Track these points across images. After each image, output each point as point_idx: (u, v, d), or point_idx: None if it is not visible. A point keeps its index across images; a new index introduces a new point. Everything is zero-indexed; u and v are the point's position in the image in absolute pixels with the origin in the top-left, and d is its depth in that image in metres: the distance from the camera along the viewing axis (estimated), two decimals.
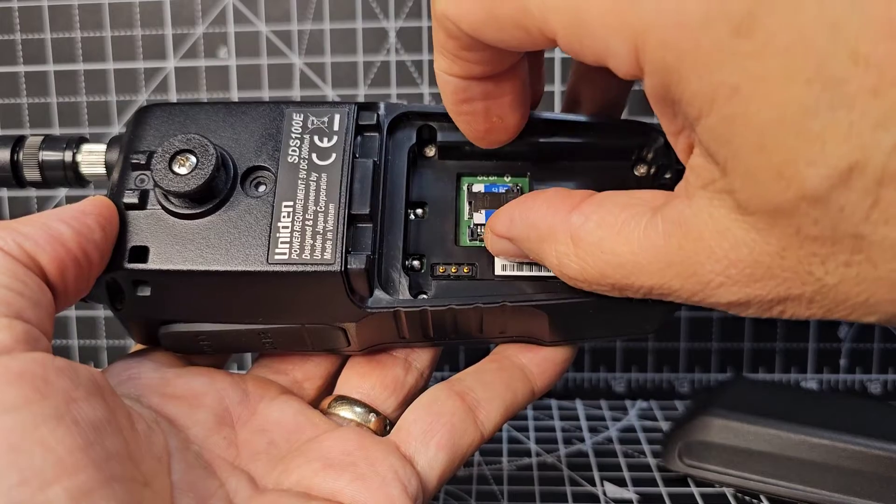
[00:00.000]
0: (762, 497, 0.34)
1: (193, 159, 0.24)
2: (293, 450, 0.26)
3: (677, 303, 0.22)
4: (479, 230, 0.27)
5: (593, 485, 0.35)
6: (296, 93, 0.43)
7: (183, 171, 0.24)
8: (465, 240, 0.27)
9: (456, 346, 0.42)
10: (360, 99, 0.43)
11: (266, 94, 0.43)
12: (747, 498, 0.34)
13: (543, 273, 0.26)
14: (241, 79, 0.43)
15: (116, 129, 0.44)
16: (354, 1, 0.42)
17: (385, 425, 0.28)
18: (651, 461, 0.38)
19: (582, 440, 0.40)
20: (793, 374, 0.44)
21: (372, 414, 0.28)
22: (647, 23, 0.17)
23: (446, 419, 0.26)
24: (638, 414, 0.43)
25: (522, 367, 0.28)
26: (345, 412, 0.28)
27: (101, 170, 0.28)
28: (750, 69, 0.16)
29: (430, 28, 0.42)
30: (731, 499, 0.34)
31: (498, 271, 0.27)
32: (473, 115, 0.24)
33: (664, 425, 0.41)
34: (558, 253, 0.22)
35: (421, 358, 0.29)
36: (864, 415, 0.36)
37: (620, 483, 0.36)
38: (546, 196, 0.23)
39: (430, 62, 0.43)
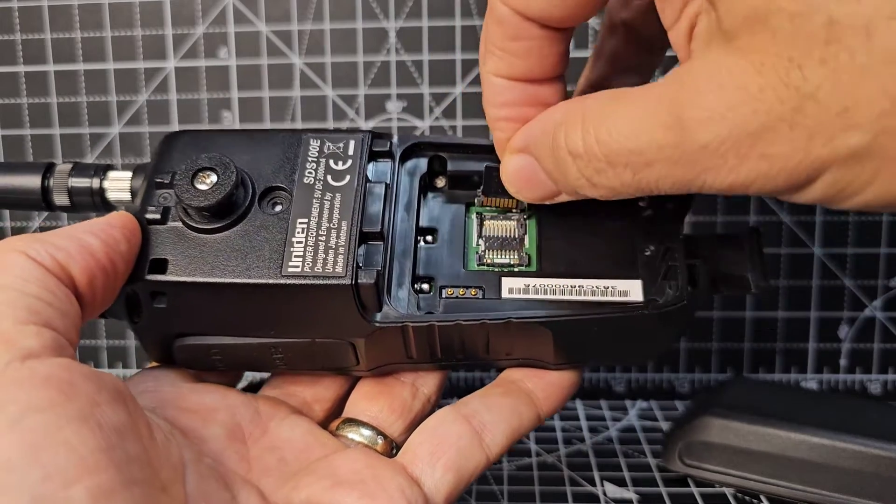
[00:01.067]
0: (762, 497, 0.34)
1: (214, 176, 0.25)
2: (303, 468, 0.26)
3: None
4: (486, 255, 0.28)
5: (593, 485, 0.35)
6: (296, 93, 0.43)
7: (204, 186, 0.25)
8: (473, 265, 0.28)
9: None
10: (361, 99, 0.43)
11: (266, 93, 0.43)
12: (747, 498, 0.34)
13: (549, 297, 0.27)
14: (241, 79, 0.43)
15: (116, 128, 0.44)
16: (354, 1, 0.42)
17: (392, 448, 0.28)
18: (651, 461, 0.38)
19: (582, 440, 0.40)
20: (793, 374, 0.44)
21: (379, 437, 0.28)
22: None
23: (453, 442, 0.27)
24: (638, 414, 0.43)
25: (528, 392, 0.29)
26: (353, 434, 0.28)
27: (127, 196, 0.29)
28: None
29: (430, 28, 0.42)
30: (731, 499, 0.34)
31: (505, 294, 0.27)
32: (511, 122, 0.25)
33: (664, 425, 0.41)
34: (567, 133, 0.22)
35: (428, 383, 0.29)
36: (864, 415, 0.36)
37: (620, 483, 0.36)
38: (565, 101, 0.24)
39: (430, 62, 0.43)
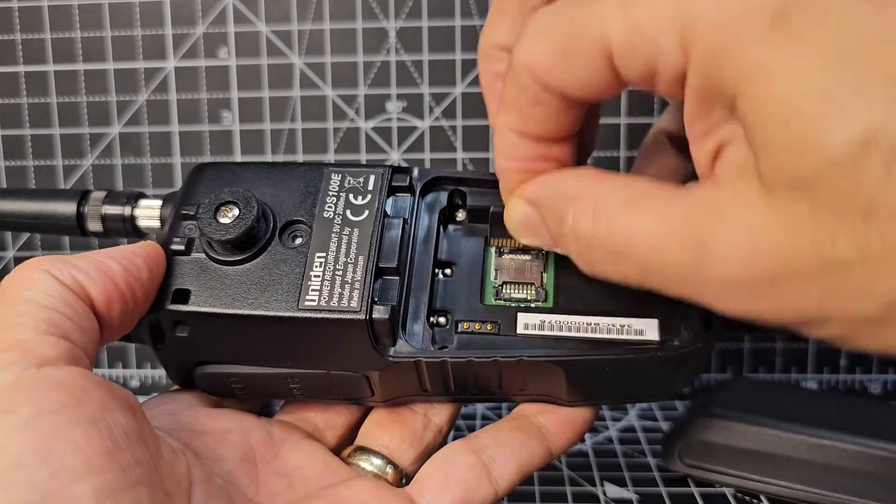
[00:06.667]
0: (762, 497, 0.34)
1: (236, 210, 0.26)
2: (311, 494, 0.26)
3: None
4: (503, 290, 0.28)
5: (593, 485, 0.35)
6: (296, 93, 0.43)
7: (226, 220, 0.26)
8: (491, 299, 0.28)
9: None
10: (361, 98, 0.43)
11: (266, 93, 0.43)
12: (747, 498, 0.34)
13: (564, 333, 0.27)
14: (241, 79, 0.43)
15: (116, 128, 0.44)
16: (354, 1, 0.42)
17: (401, 478, 0.28)
18: (651, 461, 0.38)
19: (582, 440, 0.40)
20: (793, 374, 0.44)
21: (389, 466, 0.28)
22: (694, 17, 0.19)
23: (461, 474, 0.27)
24: (638, 414, 0.43)
25: (540, 427, 0.29)
26: (364, 463, 0.28)
27: (156, 223, 0.30)
28: (782, 53, 0.18)
29: (429, 28, 0.42)
30: (731, 499, 0.34)
31: (520, 330, 0.27)
32: (520, 174, 0.25)
33: (664, 425, 0.41)
34: (576, 213, 0.23)
35: (440, 414, 0.30)
36: (864, 415, 0.36)
37: (620, 483, 0.36)
38: (581, 172, 0.24)
39: (430, 62, 0.43)
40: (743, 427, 0.34)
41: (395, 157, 0.43)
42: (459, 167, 0.43)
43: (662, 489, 0.35)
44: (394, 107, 0.43)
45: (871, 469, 0.32)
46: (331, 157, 0.44)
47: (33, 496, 0.18)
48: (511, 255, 0.29)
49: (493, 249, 0.29)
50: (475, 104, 0.43)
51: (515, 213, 0.26)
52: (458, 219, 0.30)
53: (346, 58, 0.43)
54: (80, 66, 0.43)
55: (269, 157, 0.44)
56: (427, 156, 0.43)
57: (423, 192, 0.29)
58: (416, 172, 0.29)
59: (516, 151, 0.25)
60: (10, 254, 0.45)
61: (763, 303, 0.19)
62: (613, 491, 0.35)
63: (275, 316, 0.26)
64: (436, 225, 0.29)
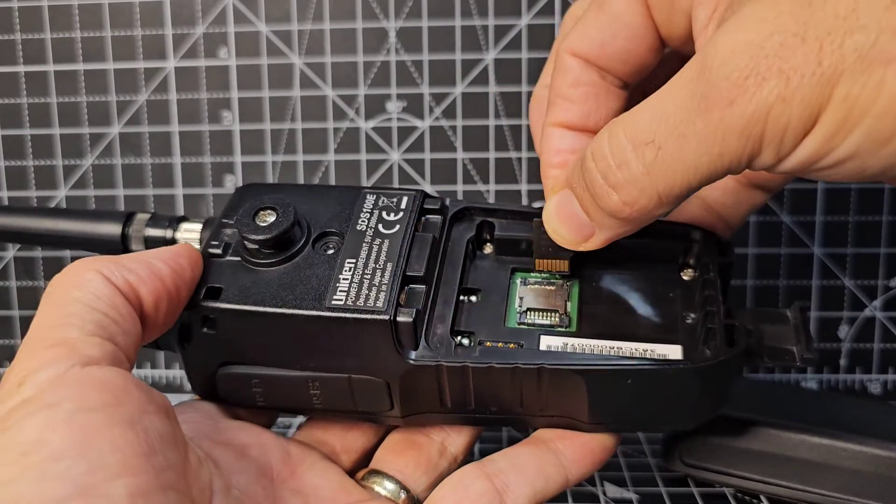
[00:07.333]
0: (762, 497, 0.34)
1: (274, 215, 0.27)
2: None
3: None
4: (527, 315, 0.29)
5: (593, 485, 0.35)
6: (296, 93, 0.43)
7: (263, 223, 0.27)
8: (514, 323, 0.28)
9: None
10: (361, 98, 0.43)
11: (266, 93, 0.43)
12: (747, 498, 0.34)
13: (587, 352, 0.27)
14: (241, 79, 0.43)
15: (116, 128, 0.44)
16: (354, 1, 0.42)
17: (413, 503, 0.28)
18: (651, 461, 0.38)
19: None
20: (793, 374, 0.44)
21: (403, 491, 0.28)
22: None
23: (473, 500, 0.26)
24: None
25: (558, 452, 0.28)
26: (377, 486, 0.28)
27: (197, 246, 0.30)
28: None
29: (430, 28, 0.42)
30: (731, 499, 0.34)
31: (542, 349, 0.27)
32: (561, 167, 0.27)
33: None
34: (592, 145, 0.24)
35: (457, 442, 0.30)
36: (864, 415, 0.36)
37: (620, 483, 0.36)
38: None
39: (430, 62, 0.43)
40: (743, 427, 0.34)
41: (396, 157, 0.43)
42: (459, 167, 0.43)
43: (662, 489, 0.35)
44: (394, 107, 0.43)
45: (871, 469, 0.32)
46: (331, 157, 0.44)
47: (69, 489, 0.19)
48: (536, 285, 0.29)
49: (518, 279, 0.30)
50: (475, 104, 0.43)
51: (549, 206, 0.26)
52: (485, 251, 0.30)
53: (346, 58, 0.43)
54: (80, 66, 0.43)
55: (269, 157, 0.44)
56: (427, 156, 0.43)
57: (453, 221, 0.30)
58: (447, 201, 0.30)
59: (559, 145, 0.26)
60: (11, 254, 0.45)
61: (771, 84, 0.20)
62: (613, 491, 0.35)
63: (301, 315, 0.26)
64: (463, 254, 0.29)
